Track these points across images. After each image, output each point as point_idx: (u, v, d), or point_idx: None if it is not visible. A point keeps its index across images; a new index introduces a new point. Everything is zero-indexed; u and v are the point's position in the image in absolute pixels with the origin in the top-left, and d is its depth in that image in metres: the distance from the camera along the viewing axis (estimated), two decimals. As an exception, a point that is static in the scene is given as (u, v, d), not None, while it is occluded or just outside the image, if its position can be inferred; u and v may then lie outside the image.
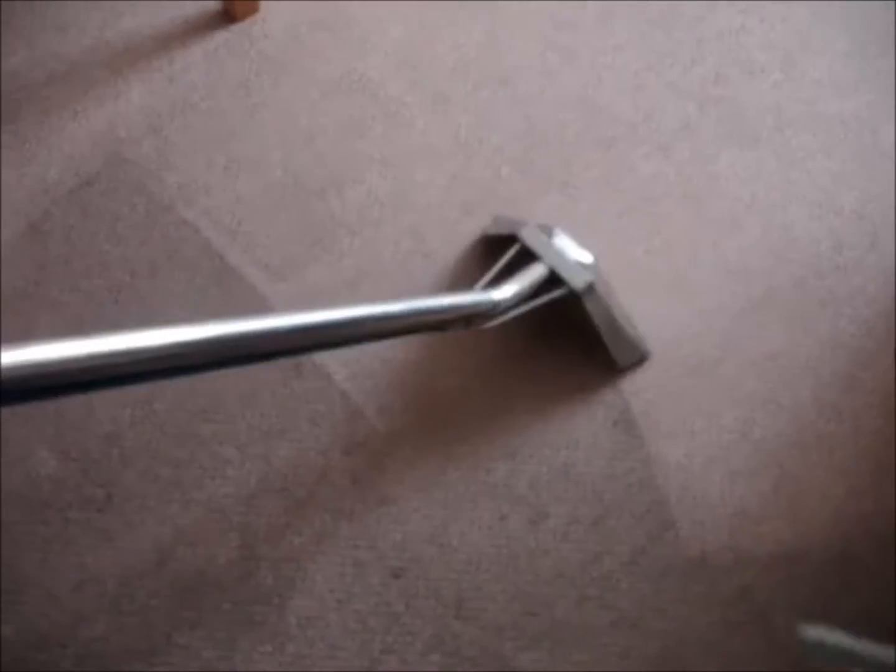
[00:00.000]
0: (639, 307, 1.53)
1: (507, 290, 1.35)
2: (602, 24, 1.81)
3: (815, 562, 1.37)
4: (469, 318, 1.31)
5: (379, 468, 1.40)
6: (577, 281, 1.40)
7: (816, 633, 0.87)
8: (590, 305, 1.42)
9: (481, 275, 1.43)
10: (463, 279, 1.54)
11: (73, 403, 1.43)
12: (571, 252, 1.45)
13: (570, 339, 1.49)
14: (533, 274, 1.40)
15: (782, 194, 1.66)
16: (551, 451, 1.42)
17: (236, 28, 1.76)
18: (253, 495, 1.38)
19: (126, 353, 0.85)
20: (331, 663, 1.28)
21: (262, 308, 1.50)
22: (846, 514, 1.40)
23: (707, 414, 1.47)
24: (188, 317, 1.48)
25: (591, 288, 1.41)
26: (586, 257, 1.47)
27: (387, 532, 1.36)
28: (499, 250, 1.46)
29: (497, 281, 1.39)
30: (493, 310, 1.33)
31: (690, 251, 1.60)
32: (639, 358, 1.48)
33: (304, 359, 1.46)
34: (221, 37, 1.76)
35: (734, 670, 1.28)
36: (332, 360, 1.46)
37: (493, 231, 1.56)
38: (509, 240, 1.46)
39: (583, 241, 1.50)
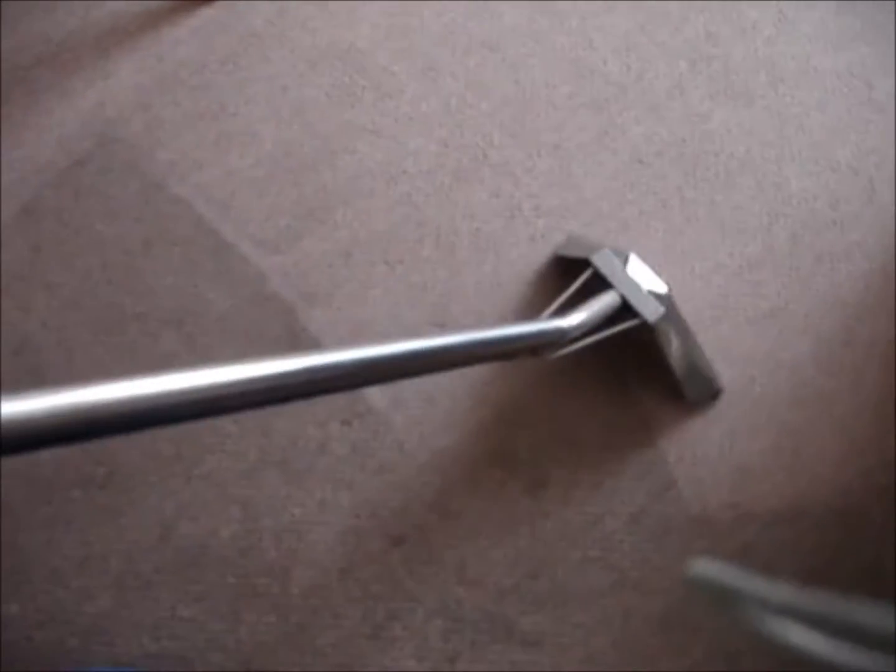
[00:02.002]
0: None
1: (575, 319, 1.26)
2: (591, -14, 1.79)
3: (817, 518, 1.37)
4: (536, 346, 1.23)
5: (378, 437, 1.40)
6: (650, 312, 1.33)
7: (701, 567, 0.86)
8: (662, 338, 1.36)
9: (550, 298, 1.37)
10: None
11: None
12: (645, 281, 1.38)
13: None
14: (604, 303, 1.32)
15: (777, 151, 1.65)
16: (550, 415, 1.42)
17: (222, 3, 1.75)
18: (253, 468, 1.38)
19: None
20: (334, 632, 1.28)
21: (257, 280, 1.50)
22: (848, 469, 1.40)
23: (705, 373, 1.46)
24: (183, 292, 1.49)
25: (663, 320, 1.34)
26: (660, 287, 1.40)
27: (387, 500, 1.36)
28: (571, 272, 1.40)
29: (567, 307, 1.30)
30: (562, 339, 1.24)
31: (686, 211, 1.59)
32: (712, 393, 1.42)
33: (298, 329, 1.46)
34: (208, 12, 1.74)
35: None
36: (328, 333, 1.46)
37: (565, 252, 1.50)
38: (582, 264, 1.40)
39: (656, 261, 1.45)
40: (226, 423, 1.40)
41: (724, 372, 1.46)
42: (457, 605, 1.30)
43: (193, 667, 1.29)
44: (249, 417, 1.40)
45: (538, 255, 1.53)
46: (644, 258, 1.52)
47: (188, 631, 1.29)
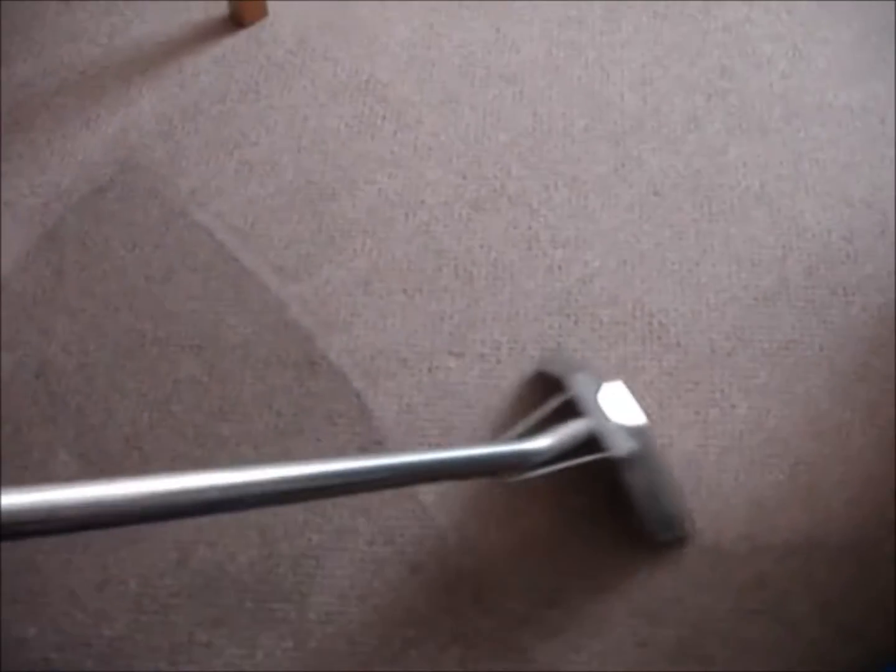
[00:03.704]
0: (650, 300, 1.54)
1: (541, 444, 1.23)
2: (607, 20, 1.82)
3: (831, 550, 1.37)
4: (498, 469, 1.23)
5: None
6: (618, 448, 1.29)
7: None
8: (629, 475, 1.30)
9: (524, 414, 1.37)
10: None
11: (94, 406, 1.45)
12: (620, 412, 1.34)
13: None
14: (573, 431, 1.28)
15: (792, 185, 1.67)
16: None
17: (244, 33, 1.78)
18: (271, 494, 1.39)
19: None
20: (352, 659, 1.29)
21: (276, 307, 1.52)
22: (863, 502, 1.41)
23: (721, 404, 1.47)
24: (203, 319, 1.50)
25: (632, 457, 1.30)
26: (637, 419, 1.35)
27: (405, 527, 1.37)
28: (549, 390, 1.38)
29: (539, 428, 1.28)
30: (524, 463, 1.22)
31: (701, 243, 1.60)
32: (679, 537, 1.36)
33: (317, 356, 1.48)
34: (230, 42, 1.78)
35: (751, 656, 1.28)
36: (346, 360, 1.48)
37: (545, 369, 1.47)
38: (558, 384, 1.37)
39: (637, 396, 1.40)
40: (245, 449, 1.41)
41: (739, 404, 1.47)
42: (473, 633, 1.30)
43: (210, 691, 1.30)
44: (268, 443, 1.41)
45: (555, 286, 1.55)
46: (660, 287, 1.54)
47: (205, 656, 1.30)
